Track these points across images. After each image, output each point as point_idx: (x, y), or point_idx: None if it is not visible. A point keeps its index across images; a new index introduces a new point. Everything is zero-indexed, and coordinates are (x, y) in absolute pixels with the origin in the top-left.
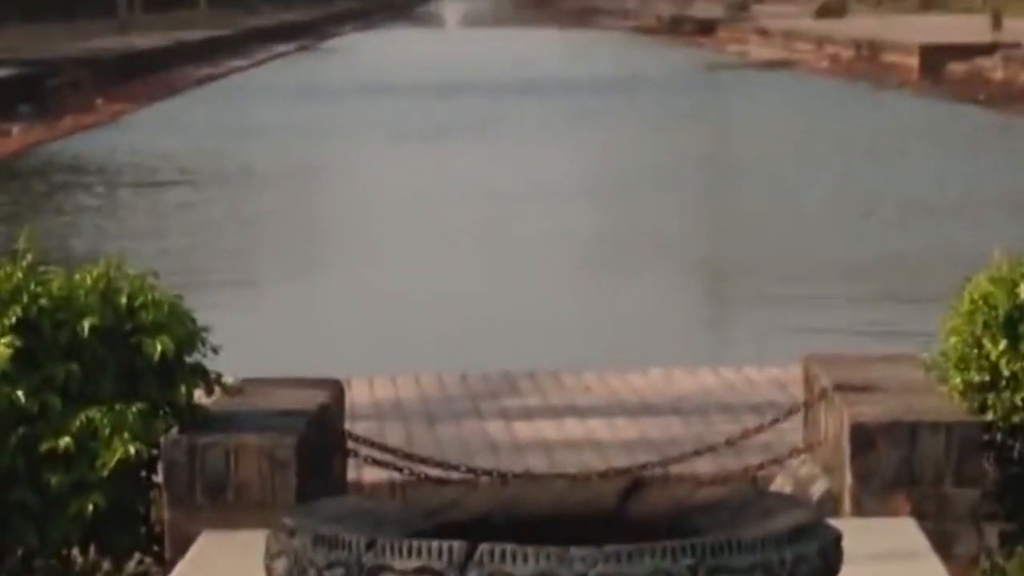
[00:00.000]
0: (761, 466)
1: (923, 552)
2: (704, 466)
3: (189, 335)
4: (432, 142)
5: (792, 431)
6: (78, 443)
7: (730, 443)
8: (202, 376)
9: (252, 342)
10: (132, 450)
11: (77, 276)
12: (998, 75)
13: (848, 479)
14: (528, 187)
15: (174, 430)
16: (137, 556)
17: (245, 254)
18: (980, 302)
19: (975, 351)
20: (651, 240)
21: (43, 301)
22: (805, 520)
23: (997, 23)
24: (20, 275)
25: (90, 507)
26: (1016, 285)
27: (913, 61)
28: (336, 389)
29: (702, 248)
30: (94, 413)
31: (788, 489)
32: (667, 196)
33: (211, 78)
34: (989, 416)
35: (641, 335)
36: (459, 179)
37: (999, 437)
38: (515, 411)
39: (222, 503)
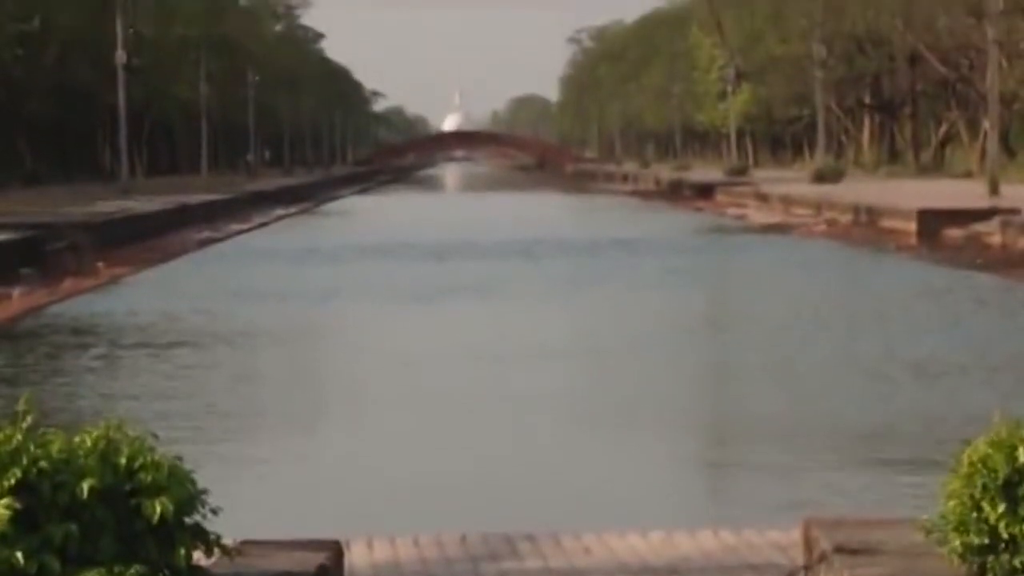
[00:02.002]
0: None
1: None
2: None
3: (189, 496)
4: (432, 304)
5: None
6: None
7: None
8: (202, 538)
9: (252, 503)
10: None
11: (77, 438)
12: (996, 240)
13: None
14: (528, 348)
15: None
16: None
17: (245, 415)
18: (979, 465)
19: (974, 514)
20: (651, 401)
21: (43, 463)
22: None
23: (994, 188)
24: (20, 437)
25: None
26: (1015, 449)
27: (911, 226)
28: (335, 551)
29: (703, 409)
30: (93, 575)
31: None
32: (667, 357)
33: (212, 241)
34: None
35: (641, 497)
36: (459, 340)
37: None
38: (515, 573)
39: None
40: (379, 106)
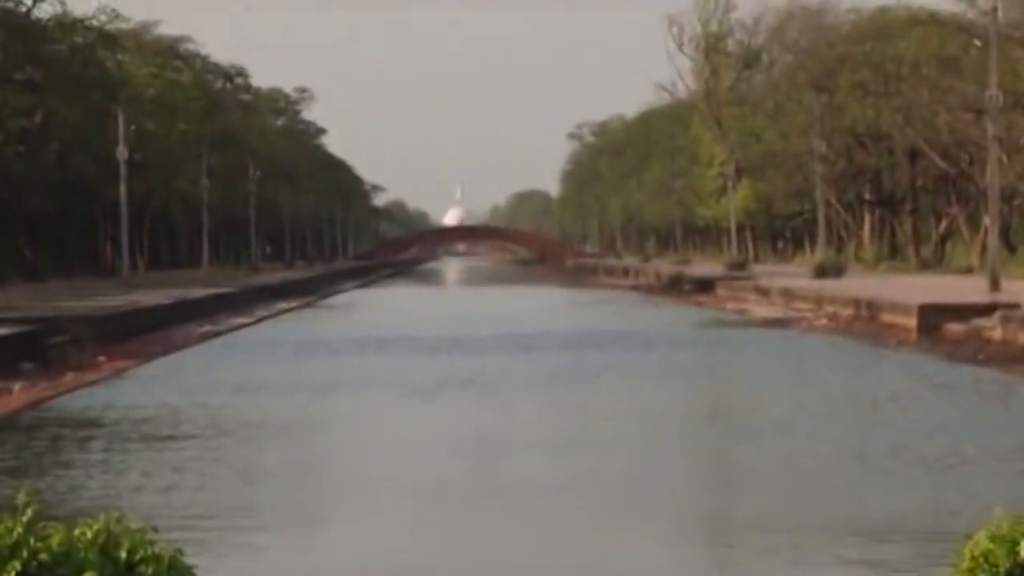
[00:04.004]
0: None
1: None
2: None
3: None
4: (433, 398)
5: None
6: None
7: None
8: None
9: None
10: None
11: (77, 531)
12: (997, 335)
13: None
14: (528, 441)
15: None
16: None
17: (246, 508)
18: (980, 560)
19: None
20: (649, 495)
21: (43, 556)
22: None
23: (995, 284)
24: (20, 530)
25: None
26: (1016, 543)
27: (912, 320)
28: None
29: (700, 503)
30: None
31: None
32: (665, 450)
33: (213, 335)
34: None
35: None
36: (459, 434)
37: None
38: None
39: None
40: (380, 200)
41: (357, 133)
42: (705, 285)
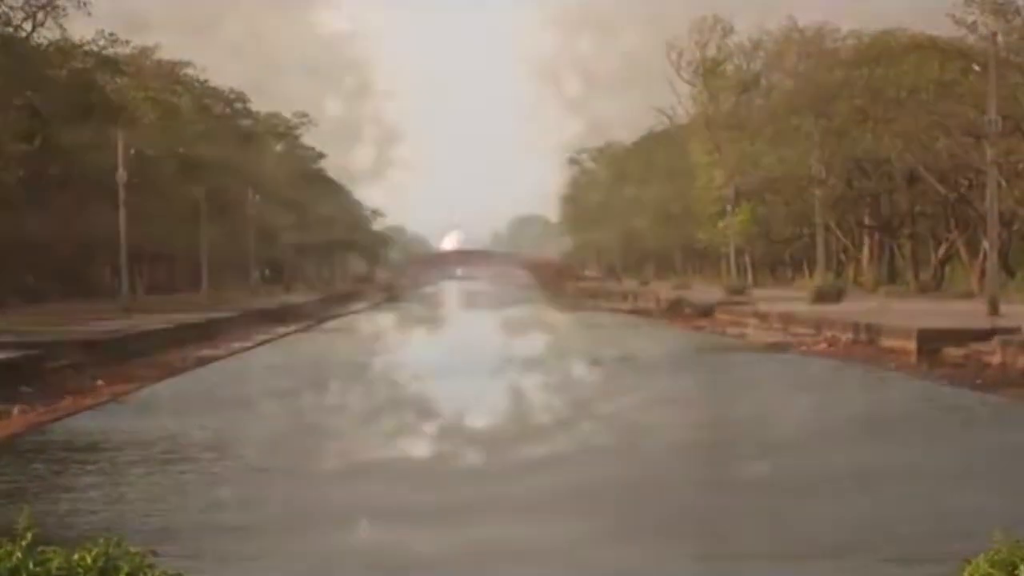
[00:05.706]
0: None
1: None
2: None
3: None
4: (428, 422)
5: None
6: None
7: None
8: None
9: None
10: None
11: (76, 555)
12: (996, 359)
13: None
14: (525, 464)
15: None
16: None
17: (246, 532)
18: None
19: None
20: (647, 516)
21: None
22: None
23: (994, 308)
24: (19, 554)
25: None
26: (1015, 567)
27: (911, 344)
28: None
29: (698, 525)
30: None
31: None
32: (664, 473)
33: (212, 359)
34: None
35: None
36: (456, 459)
37: None
38: None
39: None
40: (379, 225)
41: (356, 157)
42: (705, 309)
